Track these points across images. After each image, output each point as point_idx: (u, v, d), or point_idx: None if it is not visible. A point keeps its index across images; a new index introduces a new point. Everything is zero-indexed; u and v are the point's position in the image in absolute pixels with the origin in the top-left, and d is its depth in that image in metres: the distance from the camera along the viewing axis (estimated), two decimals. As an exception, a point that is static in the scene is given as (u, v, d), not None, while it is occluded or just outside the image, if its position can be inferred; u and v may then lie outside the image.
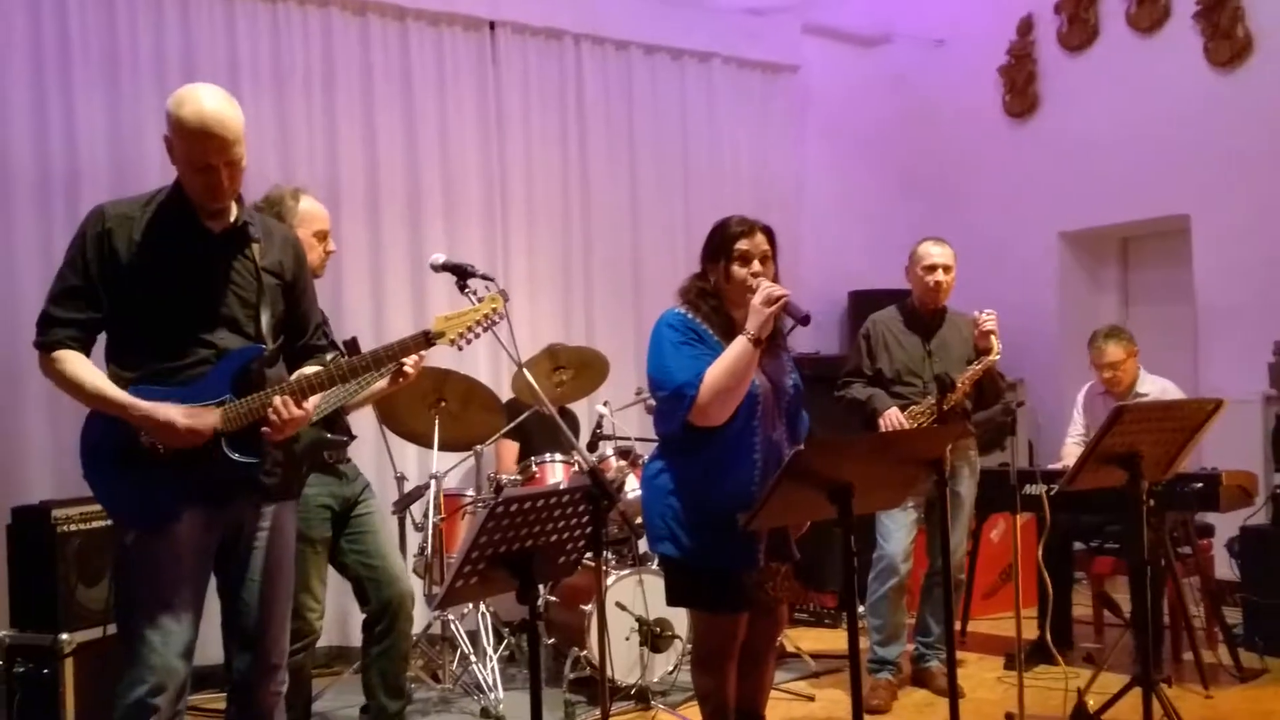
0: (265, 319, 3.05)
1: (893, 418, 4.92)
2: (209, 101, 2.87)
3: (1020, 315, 6.55)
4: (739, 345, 3.36)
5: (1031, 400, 7.01)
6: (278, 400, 2.94)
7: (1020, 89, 7.92)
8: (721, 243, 3.54)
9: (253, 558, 3.08)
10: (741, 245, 3.51)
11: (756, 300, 3.38)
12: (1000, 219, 7.90)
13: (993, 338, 4.88)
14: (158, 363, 2.95)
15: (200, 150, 2.86)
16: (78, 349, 2.96)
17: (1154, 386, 5.56)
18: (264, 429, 2.95)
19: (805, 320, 3.46)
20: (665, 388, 3.43)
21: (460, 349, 3.24)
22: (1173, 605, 5.39)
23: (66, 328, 2.94)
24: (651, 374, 3.51)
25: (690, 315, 3.53)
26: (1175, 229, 7.13)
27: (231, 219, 3.04)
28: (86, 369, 2.94)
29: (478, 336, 3.19)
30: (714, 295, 3.55)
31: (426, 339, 3.13)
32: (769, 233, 3.58)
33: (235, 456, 2.95)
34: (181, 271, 2.96)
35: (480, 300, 3.19)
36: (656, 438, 3.64)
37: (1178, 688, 4.97)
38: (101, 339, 3.04)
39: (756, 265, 3.50)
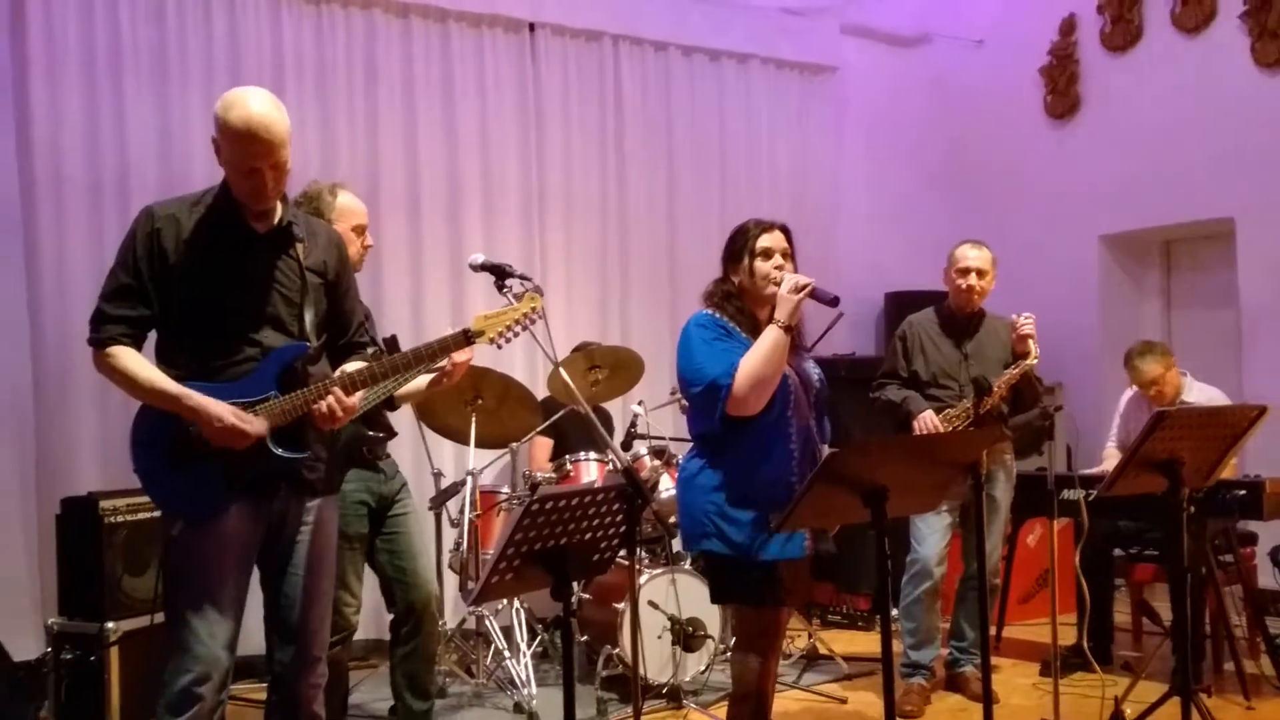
0: (309, 317, 3.10)
1: (928, 421, 4.90)
2: (256, 106, 2.91)
3: (1060, 319, 6.51)
4: (771, 333, 3.42)
5: (1070, 405, 6.95)
6: (334, 391, 3.00)
7: (1062, 90, 7.87)
8: (744, 242, 3.61)
9: (296, 551, 3.13)
10: (764, 242, 3.58)
11: (784, 289, 3.45)
12: (1040, 222, 7.84)
13: (1030, 342, 4.85)
14: (205, 360, 3.00)
15: (246, 154, 2.91)
16: (130, 344, 3.01)
17: (1201, 395, 5.50)
18: (317, 418, 3.00)
19: (834, 301, 3.54)
20: (699, 383, 3.46)
21: (499, 348, 3.28)
22: (1214, 614, 5.32)
23: (119, 324, 3.00)
24: (682, 373, 3.56)
25: (718, 315, 3.59)
26: (1219, 232, 7.06)
27: (276, 219, 3.09)
28: (140, 363, 2.99)
29: (516, 335, 3.23)
30: (738, 296, 3.62)
31: (466, 337, 3.18)
32: (787, 231, 3.66)
33: (280, 452, 3.00)
34: (227, 271, 3.01)
35: (519, 299, 3.22)
36: (691, 439, 3.66)
37: (1218, 698, 4.92)
38: (152, 337, 3.09)
39: (779, 259, 3.57)
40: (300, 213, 3.27)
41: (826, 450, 3.73)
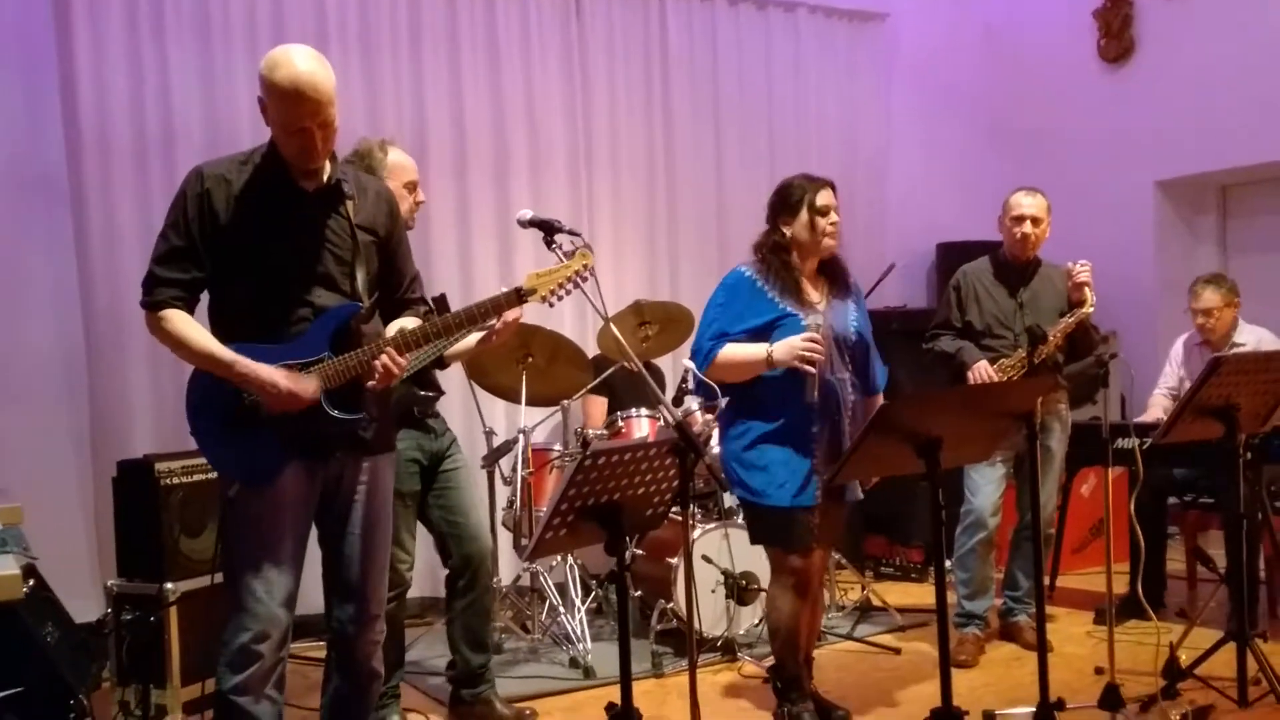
0: (360, 276, 3.10)
1: (982, 370, 4.86)
2: (302, 64, 2.90)
3: (1115, 266, 6.42)
4: (756, 354, 3.77)
5: (1125, 353, 6.86)
6: (388, 351, 3.01)
7: (1116, 33, 7.71)
8: (801, 197, 3.81)
9: (353, 511, 3.15)
10: (822, 199, 3.80)
11: (798, 350, 3.70)
12: (1094, 168, 7.72)
13: (1086, 290, 4.79)
14: (257, 321, 3.00)
15: (294, 113, 2.90)
16: (183, 308, 3.01)
17: (1251, 336, 5.44)
18: (370, 380, 3.02)
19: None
20: (696, 338, 3.94)
21: (551, 305, 3.28)
22: (1269, 560, 5.30)
23: (171, 287, 3.00)
24: (701, 320, 3.97)
25: (753, 275, 3.84)
26: (1276, 176, 6.93)
27: (325, 177, 3.09)
28: (192, 327, 3.00)
29: (569, 294, 3.23)
30: (787, 249, 3.83)
31: (519, 295, 3.18)
32: (834, 188, 3.91)
33: (335, 413, 3.02)
34: (278, 231, 3.01)
35: (569, 256, 3.22)
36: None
37: (1273, 643, 4.88)
38: (204, 299, 3.11)
39: (834, 216, 3.80)
40: (350, 169, 3.25)
41: (880, 400, 3.86)
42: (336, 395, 3.02)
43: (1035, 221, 5.01)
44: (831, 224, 3.78)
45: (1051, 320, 4.87)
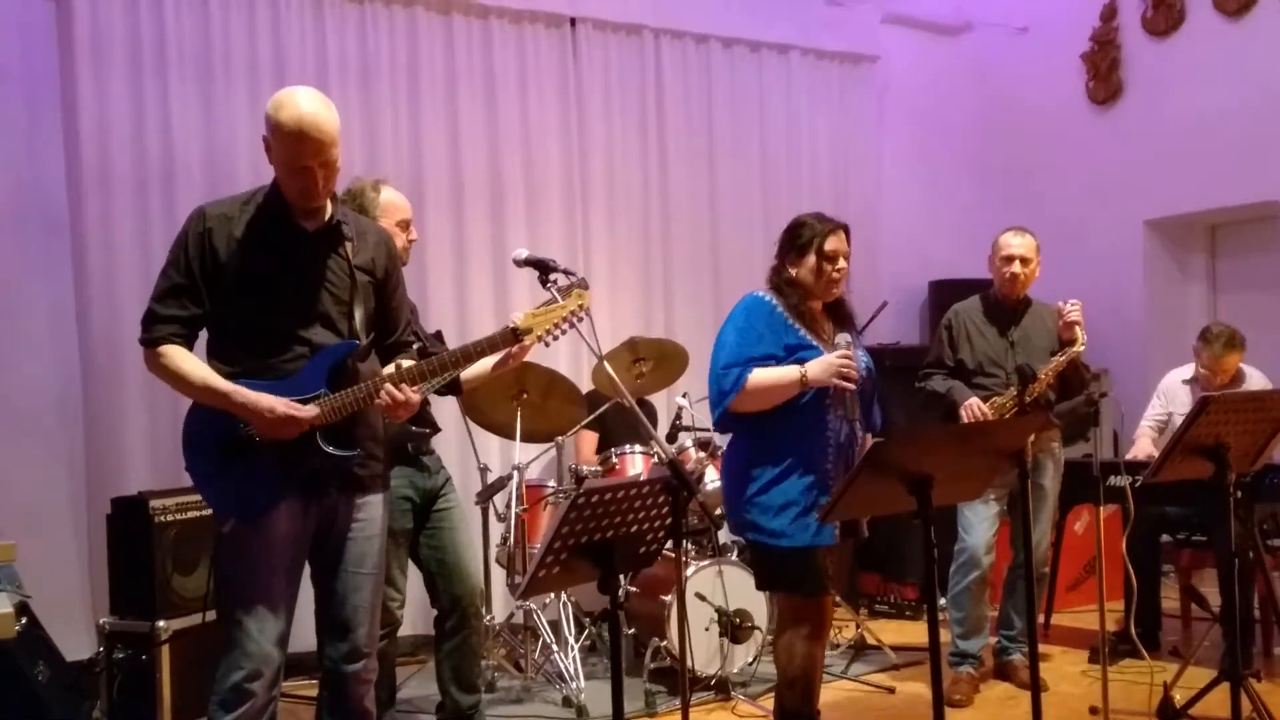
0: (358, 315, 3.13)
1: (974, 408, 4.87)
2: (306, 105, 2.95)
3: (1106, 305, 6.45)
4: (789, 375, 3.58)
5: (1117, 391, 6.91)
6: (386, 387, 3.03)
7: (1104, 75, 7.80)
8: (810, 238, 3.71)
9: (347, 549, 3.16)
10: (831, 244, 3.70)
11: (836, 366, 3.55)
12: (1084, 208, 7.79)
13: (1078, 328, 4.82)
14: (256, 358, 3.04)
15: (297, 152, 2.95)
16: (181, 344, 3.05)
17: (1261, 385, 5.46)
18: (385, 409, 3.05)
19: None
20: (714, 369, 3.68)
21: (547, 345, 3.31)
22: (1262, 599, 5.29)
23: (170, 324, 3.04)
24: (715, 348, 3.72)
25: (774, 301, 3.71)
26: (1265, 215, 6.98)
27: (325, 218, 3.12)
28: (191, 362, 3.04)
29: (564, 333, 3.26)
30: (795, 287, 3.71)
31: (515, 335, 3.21)
32: (848, 232, 3.78)
33: (330, 450, 3.03)
34: (278, 270, 3.05)
35: (564, 294, 3.25)
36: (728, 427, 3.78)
37: (1267, 682, 4.88)
38: (203, 337, 3.13)
39: (842, 263, 3.69)
40: (349, 211, 3.29)
41: (870, 440, 3.80)
42: (331, 432, 3.04)
43: (1024, 261, 5.04)
44: (838, 270, 3.69)
45: (1043, 359, 4.90)
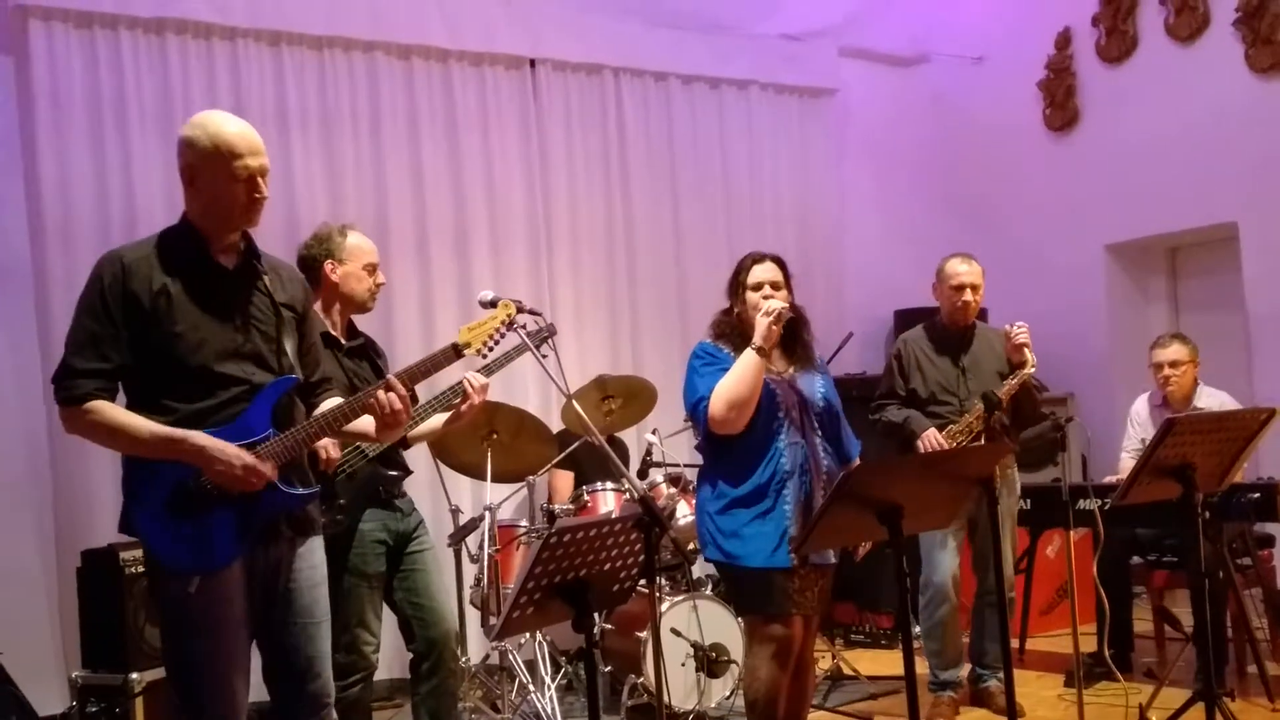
0: (289, 350, 3.03)
1: (931, 439, 4.91)
2: (227, 117, 2.96)
3: (1068, 329, 6.52)
4: (746, 356, 3.70)
5: (1082, 414, 6.95)
6: (381, 393, 2.99)
7: (1060, 103, 7.91)
8: (737, 274, 3.92)
9: (293, 598, 3.01)
10: (754, 275, 3.87)
11: (765, 310, 3.71)
12: (1045, 233, 7.87)
13: (1026, 350, 4.86)
14: (191, 404, 2.86)
15: (238, 160, 2.89)
16: (106, 398, 2.86)
17: (1212, 400, 5.49)
18: (384, 419, 3.01)
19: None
20: (689, 404, 3.82)
21: (484, 356, 3.39)
22: (1234, 618, 5.33)
23: (94, 379, 2.85)
24: (685, 398, 3.88)
25: (717, 344, 3.88)
26: (1223, 237, 7.07)
27: (239, 253, 3.02)
28: (125, 413, 2.84)
29: (498, 342, 3.35)
30: (738, 326, 3.88)
31: (455, 351, 3.25)
32: (779, 261, 3.93)
33: (297, 490, 2.96)
34: (204, 309, 2.91)
35: (491, 305, 3.35)
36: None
37: (1241, 701, 4.92)
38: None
39: (767, 289, 3.83)
40: (258, 248, 3.12)
41: (840, 470, 3.85)
42: (286, 471, 2.93)
43: (974, 289, 5.10)
44: (764, 298, 3.78)
45: (994, 383, 4.94)
